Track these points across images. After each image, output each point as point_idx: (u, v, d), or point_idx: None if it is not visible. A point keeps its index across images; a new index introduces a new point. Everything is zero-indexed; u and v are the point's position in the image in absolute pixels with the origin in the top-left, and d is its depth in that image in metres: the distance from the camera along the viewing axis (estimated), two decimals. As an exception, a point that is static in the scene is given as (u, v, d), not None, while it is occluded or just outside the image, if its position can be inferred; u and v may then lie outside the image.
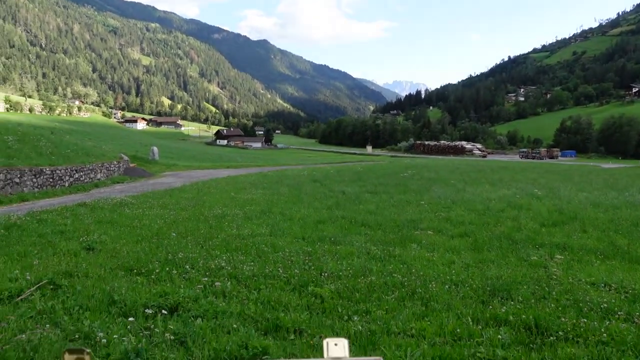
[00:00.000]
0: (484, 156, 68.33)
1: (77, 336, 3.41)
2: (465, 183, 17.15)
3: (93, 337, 3.40)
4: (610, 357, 3.36)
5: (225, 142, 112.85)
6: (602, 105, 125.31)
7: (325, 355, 0.59)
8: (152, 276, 5.17)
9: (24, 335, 3.26)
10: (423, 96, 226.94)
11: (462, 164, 33.18)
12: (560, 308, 4.33)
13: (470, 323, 3.98)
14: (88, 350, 0.56)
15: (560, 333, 3.75)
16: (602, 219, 9.13)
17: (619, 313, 4.19)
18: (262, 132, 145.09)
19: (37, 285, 4.52)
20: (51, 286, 4.68)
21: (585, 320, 3.95)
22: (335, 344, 0.59)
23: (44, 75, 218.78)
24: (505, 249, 6.92)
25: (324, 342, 0.60)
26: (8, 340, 3.21)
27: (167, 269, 5.43)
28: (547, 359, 3.31)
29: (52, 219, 9.06)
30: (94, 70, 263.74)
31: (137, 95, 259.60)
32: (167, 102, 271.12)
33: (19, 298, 4.23)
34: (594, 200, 11.95)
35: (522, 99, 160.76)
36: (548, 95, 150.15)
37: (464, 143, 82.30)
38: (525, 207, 10.81)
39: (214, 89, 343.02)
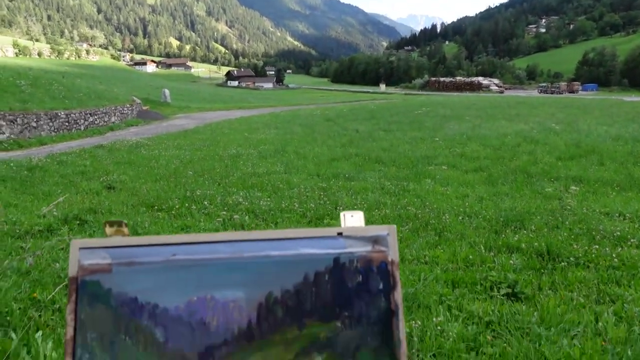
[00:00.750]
0: (502, 92, 66.42)
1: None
2: (481, 119, 16.86)
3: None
4: (620, 280, 3.45)
5: (236, 83, 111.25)
6: (628, 35, 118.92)
7: (342, 225, 0.62)
8: (173, 212, 5.34)
9: (57, 264, 3.46)
10: (439, 30, 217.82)
11: (479, 101, 32.38)
12: (572, 236, 4.39)
13: (483, 251, 4.08)
14: (125, 222, 0.61)
15: (572, 259, 3.83)
16: (620, 152, 8.99)
17: (632, 240, 4.24)
18: (273, 72, 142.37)
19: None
20: (77, 221, 4.89)
21: (597, 247, 4.02)
22: (352, 216, 0.62)
23: (49, 17, 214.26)
24: (520, 183, 6.92)
25: (341, 215, 0.63)
26: (43, 268, 3.41)
27: (187, 205, 5.59)
28: (557, 282, 3.40)
29: (71, 161, 9.28)
30: (98, 11, 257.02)
31: (144, 37, 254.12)
32: (175, 43, 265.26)
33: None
34: (614, 133, 11.71)
35: (543, 30, 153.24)
36: (571, 26, 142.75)
37: (480, 79, 79.85)
38: (542, 141, 10.67)
39: (222, 27, 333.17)
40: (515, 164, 8.17)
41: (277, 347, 0.60)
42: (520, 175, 7.36)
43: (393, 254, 0.62)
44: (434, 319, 2.73)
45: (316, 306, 0.60)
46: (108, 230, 0.62)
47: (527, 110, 21.57)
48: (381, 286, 0.60)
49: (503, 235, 4.47)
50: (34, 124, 14.56)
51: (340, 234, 0.62)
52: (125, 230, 0.61)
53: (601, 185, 6.65)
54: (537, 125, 14.07)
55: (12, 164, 8.51)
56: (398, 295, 0.61)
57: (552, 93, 62.14)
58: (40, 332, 2.46)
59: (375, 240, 0.61)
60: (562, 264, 3.77)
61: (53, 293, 2.94)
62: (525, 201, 5.79)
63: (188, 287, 0.60)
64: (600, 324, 2.75)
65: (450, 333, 2.62)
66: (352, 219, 0.62)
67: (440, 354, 2.47)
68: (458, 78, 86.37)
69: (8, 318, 2.66)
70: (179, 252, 0.59)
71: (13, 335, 2.39)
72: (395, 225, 0.61)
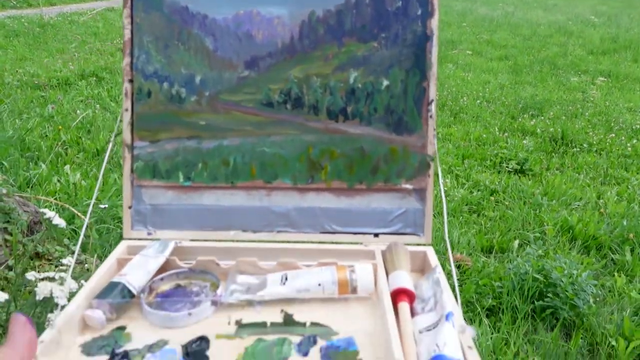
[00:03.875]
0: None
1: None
2: (515, 7, 15.67)
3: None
4: (629, 166, 3.48)
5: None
6: None
7: None
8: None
9: (78, 111, 3.54)
10: None
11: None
12: (590, 126, 4.35)
13: (497, 132, 4.08)
14: None
15: (585, 145, 3.84)
16: (659, 49, 8.47)
17: (650, 133, 4.20)
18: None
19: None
20: (94, 77, 4.89)
21: (613, 136, 4.00)
22: None
23: None
24: (545, 73, 6.67)
25: None
26: (65, 114, 3.50)
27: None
28: (567, 164, 3.45)
29: (83, 21, 9.00)
30: None
31: None
32: None
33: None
34: (656, 30, 10.91)
35: None
36: None
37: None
38: (576, 34, 10.02)
39: None
40: (544, 55, 7.79)
41: (317, 62, 0.64)
42: (546, 66, 7.07)
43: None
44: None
45: (356, 26, 0.63)
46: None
47: (566, 1, 19.90)
48: (419, 12, 0.63)
49: (519, 120, 4.43)
50: (42, -19, 13.83)
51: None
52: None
53: (630, 82, 6.40)
54: (575, 17, 13.11)
55: (23, 20, 8.30)
56: (434, 22, 0.63)
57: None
58: (68, 166, 2.61)
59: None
60: (575, 149, 3.78)
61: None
62: (548, 91, 5.64)
63: (235, 0, 0.63)
64: (601, 200, 2.85)
65: (455, 198, 2.74)
66: None
67: (441, 213, 2.61)
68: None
69: (36, 153, 2.81)
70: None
71: (43, 165, 2.54)
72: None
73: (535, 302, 1.86)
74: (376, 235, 0.65)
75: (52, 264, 1.62)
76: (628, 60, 7.71)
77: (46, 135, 3.07)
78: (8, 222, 1.45)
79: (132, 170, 0.66)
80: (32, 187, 2.39)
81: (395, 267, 0.57)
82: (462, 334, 0.45)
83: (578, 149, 3.78)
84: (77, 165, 2.72)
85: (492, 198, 2.78)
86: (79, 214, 1.73)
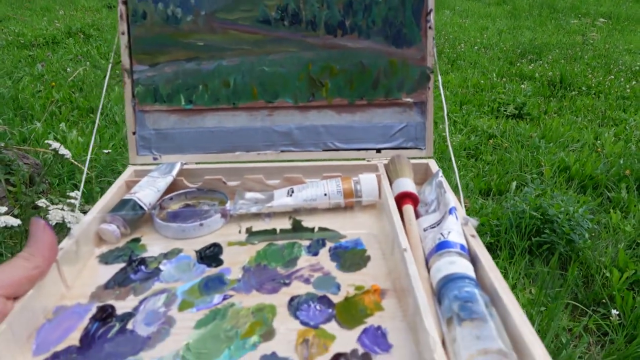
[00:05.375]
0: None
1: (117, 72, 3.64)
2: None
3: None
4: (627, 108, 3.47)
5: None
6: None
7: None
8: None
9: (69, 69, 3.48)
10: None
11: None
12: (589, 69, 4.30)
13: (495, 78, 4.04)
14: None
15: (584, 88, 3.81)
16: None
17: (649, 74, 4.16)
18: None
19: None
20: (82, 35, 4.76)
21: (612, 78, 3.96)
22: None
23: None
24: (545, 17, 6.52)
25: None
26: (55, 72, 3.44)
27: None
28: (565, 107, 3.44)
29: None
30: None
31: None
32: None
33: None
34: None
35: None
36: None
37: None
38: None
39: None
40: (543, -2, 7.59)
41: None
42: (546, 10, 6.91)
43: None
44: (439, 127, 2.83)
45: None
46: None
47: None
48: None
49: (518, 65, 4.38)
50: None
51: None
52: None
53: (631, 23, 6.27)
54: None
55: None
56: None
57: None
58: (63, 124, 2.59)
59: None
60: (573, 92, 3.76)
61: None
62: (547, 35, 5.53)
63: None
64: (599, 141, 2.86)
65: (453, 143, 2.74)
66: None
67: (441, 159, 2.62)
68: None
69: (30, 112, 2.78)
70: None
71: (37, 124, 2.52)
72: None
73: (532, 238, 1.91)
74: (378, 150, 0.66)
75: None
76: (630, 1, 7.53)
77: (39, 93, 3.03)
78: (9, 173, 1.46)
79: (133, 95, 0.66)
80: (29, 144, 2.38)
81: (398, 175, 0.58)
82: (465, 225, 0.46)
83: (576, 92, 3.75)
84: (72, 123, 2.70)
85: (491, 142, 2.79)
86: (79, 164, 1.73)
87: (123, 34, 0.65)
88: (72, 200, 1.02)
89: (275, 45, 0.64)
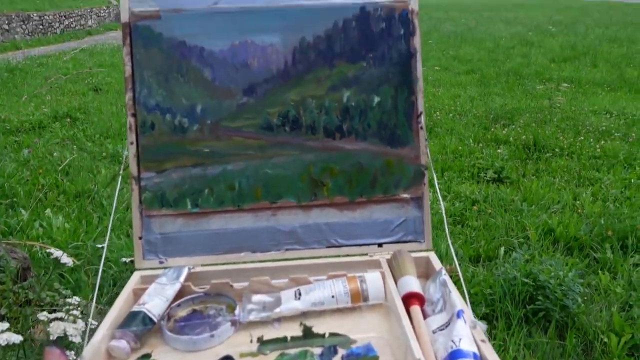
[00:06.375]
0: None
1: (103, 154, 3.67)
2: (476, 22, 16.31)
3: (118, 155, 3.65)
4: (600, 167, 3.62)
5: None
6: None
7: None
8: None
9: (55, 153, 3.50)
10: None
11: (475, 3, 31.00)
12: (559, 131, 4.52)
13: (472, 143, 4.21)
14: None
15: (557, 150, 3.99)
16: (615, 54, 8.93)
17: (616, 134, 4.39)
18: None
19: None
20: (68, 119, 4.85)
21: (582, 139, 4.17)
22: None
23: None
24: (512, 83, 6.94)
25: None
26: (41, 158, 3.46)
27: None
28: (541, 170, 3.57)
29: (52, 63, 8.95)
30: None
31: None
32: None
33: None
34: (611, 35, 11.51)
35: None
36: None
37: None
38: (537, 43, 10.49)
39: None
40: (509, 66, 8.11)
41: (311, 84, 0.69)
42: (512, 77, 7.36)
43: (413, 4, 0.68)
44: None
45: (345, 49, 0.68)
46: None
47: (525, 12, 20.83)
48: (402, 32, 0.68)
49: (492, 130, 4.58)
50: (6, 27, 13.74)
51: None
52: None
53: (592, 86, 6.70)
54: (534, 28, 13.73)
55: (-10, 66, 8.19)
56: (417, 40, 0.68)
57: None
58: (49, 210, 2.57)
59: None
60: (547, 154, 3.93)
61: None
62: (516, 100, 5.86)
63: (230, 32, 0.66)
64: (578, 202, 2.95)
65: (439, 210, 2.80)
66: None
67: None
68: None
69: (15, 199, 2.76)
70: (220, 1, 0.64)
71: (23, 211, 2.49)
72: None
73: (527, 306, 1.90)
74: (380, 245, 0.68)
75: (43, 309, 1.58)
76: (588, 65, 8.10)
77: (25, 180, 3.02)
78: (-2, 269, 1.43)
79: (140, 202, 0.68)
80: (14, 234, 2.34)
81: (402, 273, 0.60)
82: (474, 329, 0.48)
83: (550, 154, 3.92)
84: (57, 209, 2.68)
85: (475, 207, 2.85)
86: (71, 257, 1.70)
87: (132, 143, 0.68)
88: (71, 307, 0.99)
89: (278, 149, 0.68)
